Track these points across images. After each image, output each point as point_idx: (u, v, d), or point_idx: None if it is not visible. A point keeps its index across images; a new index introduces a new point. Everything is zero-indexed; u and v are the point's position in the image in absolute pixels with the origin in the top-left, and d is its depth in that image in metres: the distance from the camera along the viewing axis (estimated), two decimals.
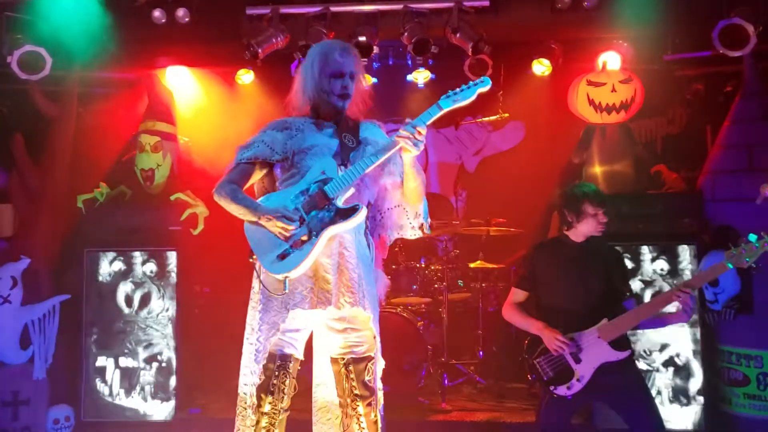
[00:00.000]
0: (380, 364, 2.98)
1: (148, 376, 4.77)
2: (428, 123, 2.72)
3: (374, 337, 2.89)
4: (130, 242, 4.84)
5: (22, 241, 4.85)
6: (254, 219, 2.76)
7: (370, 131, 2.99)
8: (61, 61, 4.85)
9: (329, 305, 2.77)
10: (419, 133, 2.70)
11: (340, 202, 2.76)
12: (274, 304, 2.81)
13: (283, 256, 2.74)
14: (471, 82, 2.76)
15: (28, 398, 4.56)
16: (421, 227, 3.03)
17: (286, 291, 2.76)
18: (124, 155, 5.36)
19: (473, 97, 2.75)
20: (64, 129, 5.04)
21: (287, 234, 2.71)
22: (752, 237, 3.11)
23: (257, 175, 2.96)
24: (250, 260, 2.84)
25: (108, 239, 4.86)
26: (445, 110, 2.74)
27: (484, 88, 2.75)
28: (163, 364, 4.78)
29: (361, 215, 2.77)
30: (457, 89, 2.74)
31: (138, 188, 5.15)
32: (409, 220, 3.01)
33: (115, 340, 4.79)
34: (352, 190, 2.79)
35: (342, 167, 2.82)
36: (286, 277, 2.75)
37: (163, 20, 4.86)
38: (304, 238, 2.73)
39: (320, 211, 2.75)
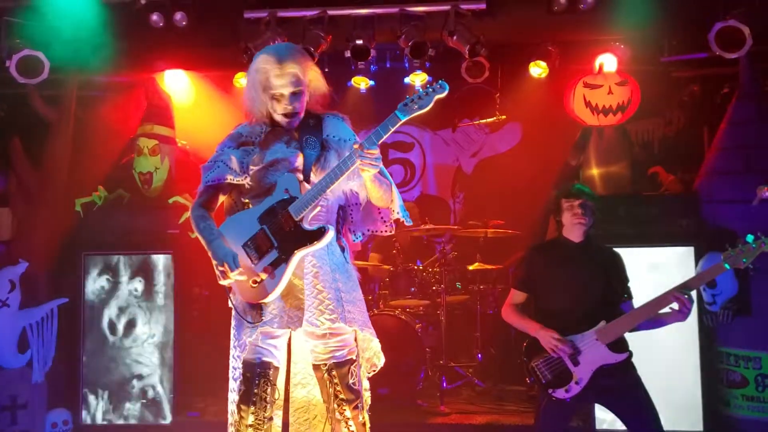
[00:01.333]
0: (380, 361, 2.99)
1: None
2: (382, 139, 2.62)
3: (355, 339, 2.88)
4: (128, 245, 4.85)
5: (20, 245, 4.85)
6: (208, 251, 2.77)
7: (332, 127, 2.89)
8: (60, 64, 4.85)
9: (299, 326, 2.76)
10: (371, 154, 2.59)
11: (306, 223, 2.71)
12: (245, 322, 2.81)
13: (255, 283, 2.72)
14: (429, 87, 2.61)
15: (26, 402, 4.56)
16: (394, 222, 2.97)
17: (263, 318, 2.75)
18: (123, 158, 5.36)
19: (431, 105, 2.62)
20: (63, 132, 5.04)
21: (223, 279, 2.71)
22: (749, 238, 3.13)
23: (224, 194, 2.94)
24: (224, 284, 2.79)
25: (106, 243, 4.86)
26: (403, 120, 2.62)
27: (442, 95, 2.62)
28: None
29: (328, 237, 2.71)
30: (414, 96, 2.61)
31: (136, 192, 5.15)
32: (380, 215, 2.97)
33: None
34: (318, 208, 2.75)
35: (305, 183, 2.76)
36: (261, 302, 2.75)
37: (161, 24, 4.86)
38: (275, 262, 2.70)
39: (287, 234, 2.70)
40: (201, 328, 5.28)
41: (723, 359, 4.37)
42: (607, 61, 5.06)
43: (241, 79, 5.48)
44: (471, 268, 5.56)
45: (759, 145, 4.40)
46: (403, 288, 5.49)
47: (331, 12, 4.87)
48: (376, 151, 2.61)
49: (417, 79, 5.73)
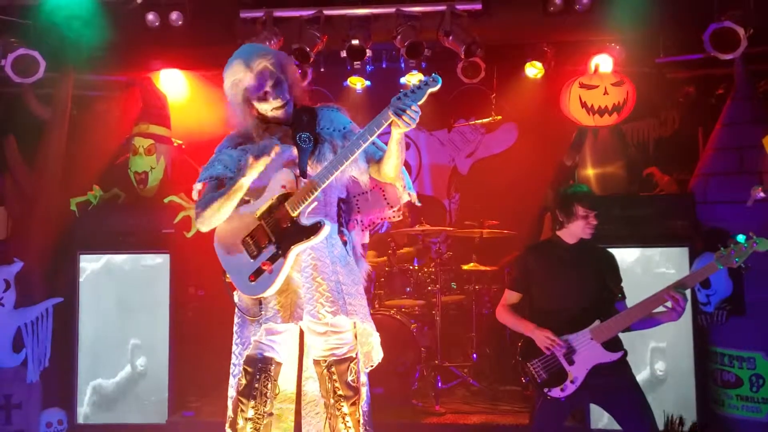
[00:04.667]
0: (378, 357, 2.98)
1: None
2: (374, 136, 2.62)
3: (355, 336, 2.88)
4: (123, 245, 4.84)
5: (15, 244, 4.85)
6: (243, 189, 2.73)
7: (326, 119, 2.91)
8: (55, 64, 4.84)
9: (300, 320, 2.77)
10: (414, 110, 2.55)
11: (304, 218, 2.72)
12: (248, 320, 2.83)
13: (254, 277, 2.74)
14: (422, 81, 2.59)
15: (20, 402, 4.55)
16: (399, 208, 2.97)
17: (262, 313, 2.76)
18: (118, 158, 5.35)
19: (424, 99, 2.57)
20: (58, 132, 5.02)
21: (273, 154, 2.70)
22: (741, 237, 3.15)
23: None
24: (225, 280, 2.83)
25: (101, 242, 4.85)
26: (394, 117, 2.58)
27: (435, 88, 2.59)
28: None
29: (324, 232, 2.71)
30: (408, 91, 2.59)
31: (131, 191, 5.15)
32: (386, 200, 2.97)
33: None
34: (315, 203, 2.74)
35: (301, 178, 2.76)
36: (260, 297, 2.76)
37: (157, 23, 4.86)
38: (273, 257, 2.71)
39: (284, 229, 2.72)
40: (196, 327, 5.27)
41: (717, 359, 4.38)
42: (603, 62, 5.07)
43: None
44: (466, 268, 5.57)
45: (753, 145, 4.40)
46: (398, 288, 5.49)
47: (327, 12, 4.87)
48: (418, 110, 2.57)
49: (413, 79, 5.74)
